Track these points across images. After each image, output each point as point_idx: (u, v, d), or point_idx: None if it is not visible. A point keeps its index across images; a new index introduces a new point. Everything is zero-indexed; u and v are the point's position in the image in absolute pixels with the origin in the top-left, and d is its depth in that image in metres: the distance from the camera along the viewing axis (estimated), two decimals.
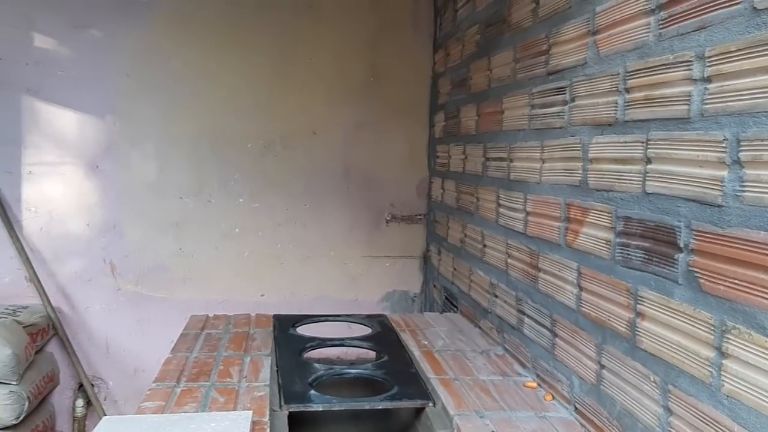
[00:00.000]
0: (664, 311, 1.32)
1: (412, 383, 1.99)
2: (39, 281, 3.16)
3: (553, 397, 1.85)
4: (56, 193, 3.24)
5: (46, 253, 3.24)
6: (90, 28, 3.20)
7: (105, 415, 3.09)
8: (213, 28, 3.30)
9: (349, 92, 3.44)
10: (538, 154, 1.98)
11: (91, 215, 3.27)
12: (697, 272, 1.22)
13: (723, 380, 1.14)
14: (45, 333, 3.11)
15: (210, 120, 3.33)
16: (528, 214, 2.06)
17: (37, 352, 3.03)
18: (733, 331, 1.12)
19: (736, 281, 1.12)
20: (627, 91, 1.47)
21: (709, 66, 1.19)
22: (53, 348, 3.26)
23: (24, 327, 2.92)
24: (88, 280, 3.29)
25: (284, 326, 2.54)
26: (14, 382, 2.73)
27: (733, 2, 1.13)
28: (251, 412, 1.68)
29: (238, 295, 3.42)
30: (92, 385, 3.28)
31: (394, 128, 3.49)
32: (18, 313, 3.00)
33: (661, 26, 1.34)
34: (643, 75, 1.41)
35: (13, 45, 3.14)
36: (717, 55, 1.17)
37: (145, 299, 3.35)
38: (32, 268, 3.16)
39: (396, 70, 3.47)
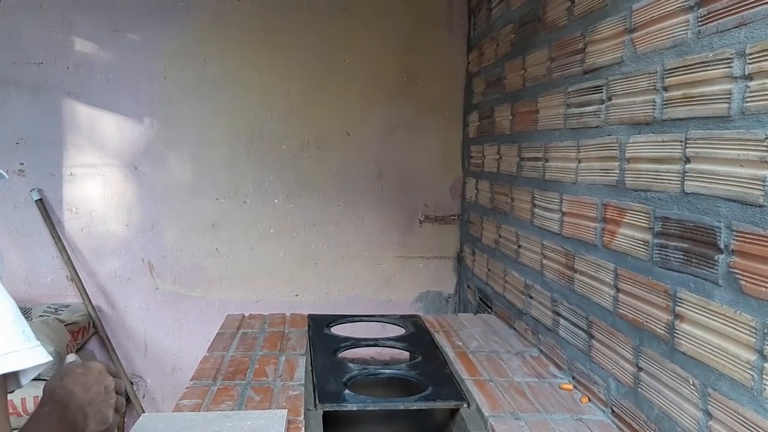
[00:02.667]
0: (703, 313, 1.30)
1: (447, 384, 1.99)
2: (80, 280, 3.24)
3: (590, 400, 1.83)
4: (96, 194, 3.31)
5: (86, 253, 3.32)
6: (128, 32, 3.26)
7: (144, 412, 3.14)
8: (248, 32, 3.33)
9: (383, 93, 3.44)
10: (573, 153, 1.96)
11: (130, 216, 3.34)
12: (737, 274, 1.20)
13: (765, 384, 1.12)
14: (86, 331, 3.19)
15: (245, 122, 3.37)
16: (564, 214, 2.04)
17: (78, 350, 3.10)
18: None
19: None
20: (665, 89, 1.45)
21: (750, 63, 1.16)
22: (93, 346, 3.34)
23: (65, 325, 2.99)
24: (127, 279, 3.36)
25: (319, 326, 2.55)
26: None
27: None
28: (286, 410, 1.69)
29: (273, 294, 3.45)
30: (131, 382, 3.34)
31: (427, 129, 3.48)
32: (60, 312, 3.08)
33: (700, 23, 1.32)
34: (681, 73, 1.39)
35: (54, 49, 3.22)
36: (758, 52, 1.14)
37: (182, 298, 3.40)
38: (73, 267, 3.24)
39: (430, 70, 3.46)
